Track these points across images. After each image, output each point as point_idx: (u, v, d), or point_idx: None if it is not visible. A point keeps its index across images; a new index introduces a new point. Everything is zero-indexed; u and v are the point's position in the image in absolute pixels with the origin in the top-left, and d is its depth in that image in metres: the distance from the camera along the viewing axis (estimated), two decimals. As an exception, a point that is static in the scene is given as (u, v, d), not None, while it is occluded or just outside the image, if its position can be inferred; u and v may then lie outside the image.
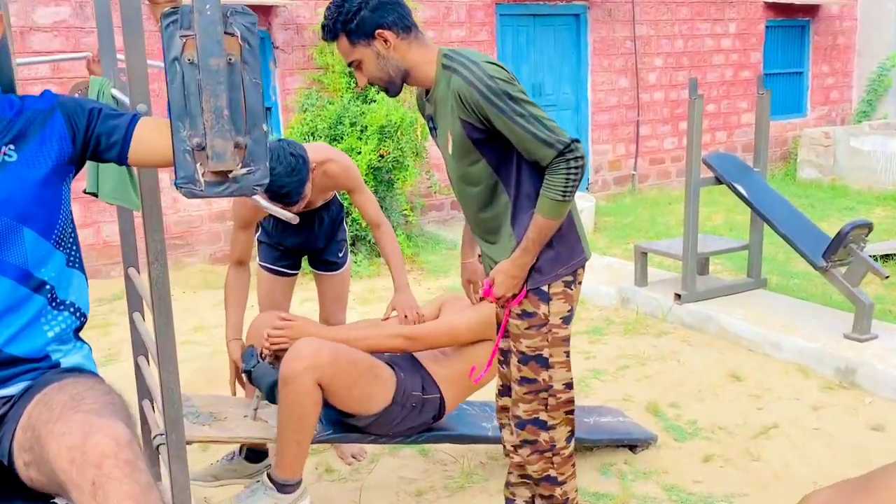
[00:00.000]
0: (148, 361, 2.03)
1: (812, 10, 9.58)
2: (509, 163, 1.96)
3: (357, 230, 5.76)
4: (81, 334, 1.59)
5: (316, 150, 2.64)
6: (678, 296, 4.40)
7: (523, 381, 2.05)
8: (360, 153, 5.63)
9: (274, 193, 2.40)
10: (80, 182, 2.09)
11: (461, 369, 2.46)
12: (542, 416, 2.06)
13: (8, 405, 1.41)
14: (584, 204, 6.63)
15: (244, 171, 1.14)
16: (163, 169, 1.55)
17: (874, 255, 4.68)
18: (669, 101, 8.70)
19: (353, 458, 2.91)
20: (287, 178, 2.37)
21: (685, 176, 4.35)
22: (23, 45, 5.30)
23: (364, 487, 2.74)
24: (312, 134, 5.87)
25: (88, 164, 1.87)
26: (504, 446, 2.31)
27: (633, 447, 2.94)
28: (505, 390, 2.25)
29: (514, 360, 2.06)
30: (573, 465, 2.15)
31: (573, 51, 8.09)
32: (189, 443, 2.19)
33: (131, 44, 1.58)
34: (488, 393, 2.85)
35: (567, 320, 2.04)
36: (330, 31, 1.93)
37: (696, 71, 8.70)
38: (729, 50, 9.05)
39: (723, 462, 2.89)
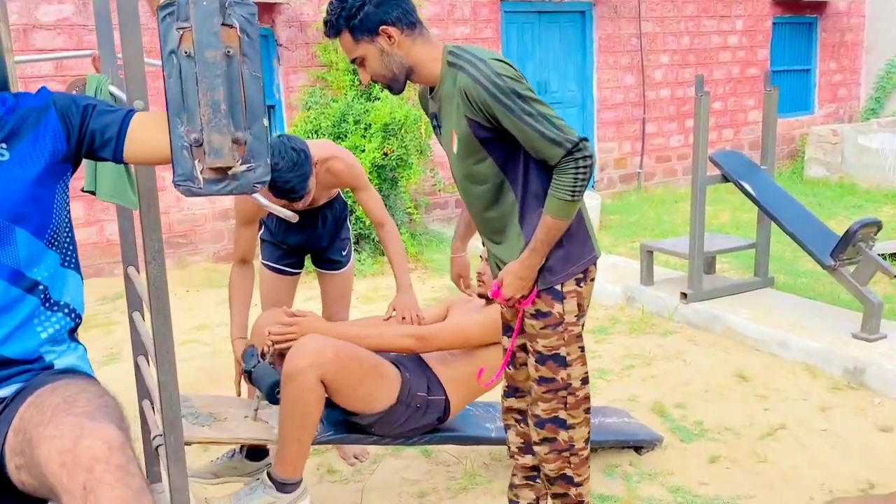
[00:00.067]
0: (148, 362, 2.01)
1: (820, 6, 9.51)
2: (516, 161, 1.93)
3: (361, 228, 5.73)
4: (83, 332, 1.57)
5: (319, 147, 2.62)
6: (684, 295, 4.36)
7: (542, 380, 2.03)
8: (363, 151, 5.60)
9: (279, 189, 2.38)
10: (79, 180, 2.07)
11: (468, 371, 2.44)
12: (562, 414, 2.05)
13: (0, 407, 1.39)
14: (590, 202, 6.60)
15: (244, 167, 1.11)
16: (163, 166, 1.52)
17: (883, 254, 4.63)
18: (676, 99, 8.66)
19: (356, 458, 2.89)
20: (290, 172, 2.35)
21: (691, 174, 4.32)
22: (26, 43, 5.29)
23: (366, 488, 2.71)
24: (316, 132, 5.85)
25: (86, 163, 1.85)
26: (508, 447, 2.28)
27: (638, 448, 2.91)
28: (511, 391, 2.23)
29: (530, 360, 2.05)
30: (588, 467, 2.13)
31: (578, 48, 8.05)
32: (188, 443, 2.17)
33: (128, 39, 1.55)
34: (492, 393, 2.83)
35: (580, 317, 2.03)
36: (333, 27, 1.89)
37: (702, 68, 8.65)
38: (736, 47, 9.00)
39: (729, 463, 2.86)
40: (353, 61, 1.93)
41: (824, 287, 4.81)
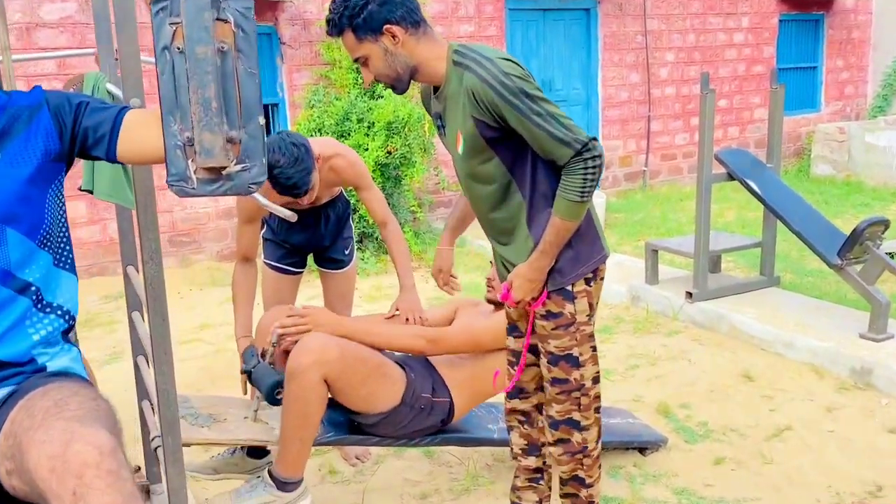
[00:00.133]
0: (147, 362, 1.99)
1: (826, 3, 9.45)
2: (524, 161, 1.90)
3: (364, 227, 5.72)
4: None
5: (322, 145, 2.60)
6: (689, 294, 4.33)
7: (555, 381, 2.01)
8: (367, 150, 5.59)
9: (281, 186, 2.36)
10: (77, 179, 2.05)
11: (475, 375, 2.42)
12: (576, 416, 2.03)
13: None
14: (595, 200, 6.51)
15: (239, 167, 1.08)
16: (162, 165, 1.49)
17: (890, 253, 4.58)
18: (681, 97, 8.61)
19: (357, 459, 2.87)
20: (291, 168, 2.33)
21: (697, 172, 4.29)
22: (29, 41, 5.28)
23: (368, 490, 2.69)
24: (319, 130, 5.84)
25: (84, 161, 1.83)
26: (511, 449, 2.26)
27: (642, 449, 2.89)
28: (515, 392, 2.21)
29: (542, 361, 2.03)
30: (599, 467, 2.12)
31: (583, 46, 8.01)
32: (188, 445, 2.16)
33: (124, 37, 1.53)
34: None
35: (591, 316, 2.01)
36: (335, 26, 1.85)
37: (708, 66, 8.60)
38: (742, 44, 8.95)
39: (734, 465, 2.83)
40: (355, 61, 1.90)
41: (831, 286, 4.78)
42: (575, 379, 2.00)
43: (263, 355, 2.36)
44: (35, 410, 1.24)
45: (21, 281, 1.39)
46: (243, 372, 2.36)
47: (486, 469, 2.81)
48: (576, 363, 1.99)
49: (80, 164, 1.80)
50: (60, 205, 1.46)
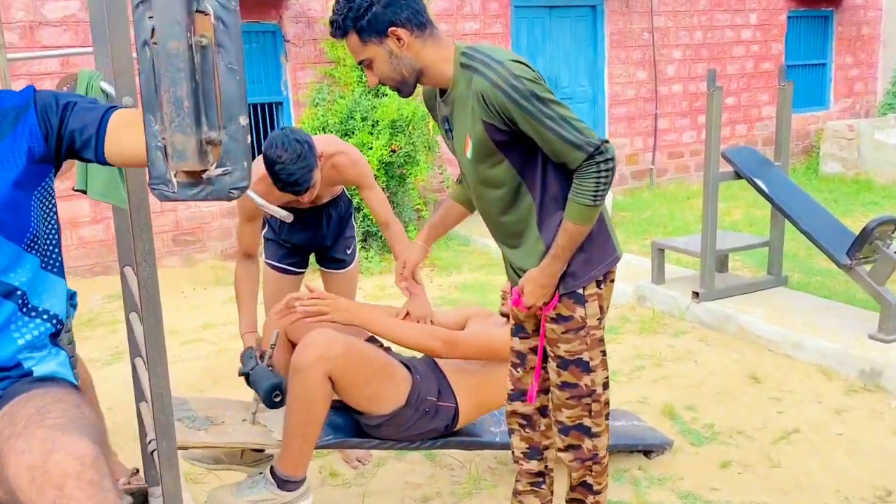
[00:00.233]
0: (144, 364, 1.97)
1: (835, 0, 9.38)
2: (534, 164, 1.86)
3: (368, 226, 5.69)
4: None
5: (325, 143, 2.57)
6: (696, 294, 4.29)
7: (564, 385, 1.98)
8: (371, 148, 5.56)
9: (283, 182, 2.33)
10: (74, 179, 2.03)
11: (483, 383, 2.39)
12: (587, 421, 2.00)
13: None
14: (601, 199, 6.52)
15: (219, 171, 1.01)
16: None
17: (900, 252, 4.54)
18: (688, 94, 8.55)
19: (359, 461, 2.84)
20: (294, 165, 2.30)
21: (704, 170, 4.25)
22: (32, 40, 5.27)
23: (368, 493, 2.66)
24: (323, 128, 5.82)
25: (77, 161, 1.80)
26: (512, 452, 2.23)
27: (647, 452, 2.85)
28: (516, 395, 2.18)
29: (551, 364, 2.00)
30: (607, 475, 2.10)
31: (590, 43, 7.96)
32: (184, 448, 2.13)
33: (115, 33, 1.50)
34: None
35: (601, 320, 1.98)
36: (339, 28, 1.80)
37: (715, 63, 8.54)
38: (749, 41, 8.87)
39: (741, 468, 2.79)
40: (359, 63, 1.85)
41: (840, 286, 4.72)
42: (585, 384, 1.97)
43: (262, 357, 2.33)
44: (17, 418, 1.21)
45: (6, 285, 1.36)
46: (241, 374, 2.33)
47: (488, 472, 2.78)
48: (586, 368, 1.96)
49: (62, 166, 1.76)
50: (48, 207, 1.43)
